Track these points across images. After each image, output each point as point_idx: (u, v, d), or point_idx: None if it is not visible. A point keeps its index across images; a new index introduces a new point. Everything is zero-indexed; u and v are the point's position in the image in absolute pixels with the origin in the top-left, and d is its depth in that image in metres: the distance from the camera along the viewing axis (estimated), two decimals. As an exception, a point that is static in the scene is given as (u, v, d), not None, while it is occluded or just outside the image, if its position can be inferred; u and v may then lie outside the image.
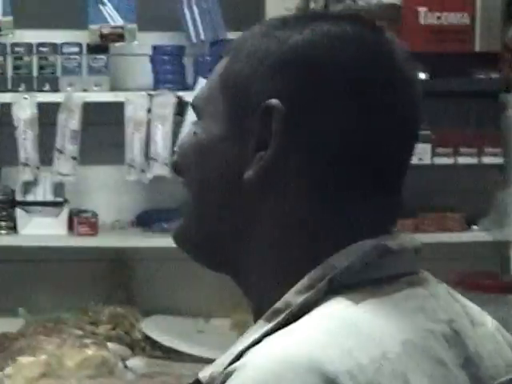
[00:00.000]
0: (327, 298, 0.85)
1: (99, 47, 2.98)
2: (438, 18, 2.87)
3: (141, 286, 3.22)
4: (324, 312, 0.85)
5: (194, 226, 0.96)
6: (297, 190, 0.88)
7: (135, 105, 2.95)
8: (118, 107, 2.94)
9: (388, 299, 0.88)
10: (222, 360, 0.86)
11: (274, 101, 0.88)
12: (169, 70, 3.06)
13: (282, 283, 0.88)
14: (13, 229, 3.03)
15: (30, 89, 2.95)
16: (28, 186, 3.03)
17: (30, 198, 3.04)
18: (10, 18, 2.85)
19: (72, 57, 2.98)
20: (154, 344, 2.99)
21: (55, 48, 2.96)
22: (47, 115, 2.94)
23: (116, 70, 3.12)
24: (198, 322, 3.19)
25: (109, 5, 2.89)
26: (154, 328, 3.08)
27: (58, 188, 3.04)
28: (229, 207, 0.93)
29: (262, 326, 0.87)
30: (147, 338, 3.01)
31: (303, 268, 0.87)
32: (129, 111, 2.95)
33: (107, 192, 3.20)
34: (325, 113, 0.90)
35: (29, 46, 2.95)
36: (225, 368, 0.83)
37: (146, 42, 3.00)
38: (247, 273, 0.93)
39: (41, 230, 3.03)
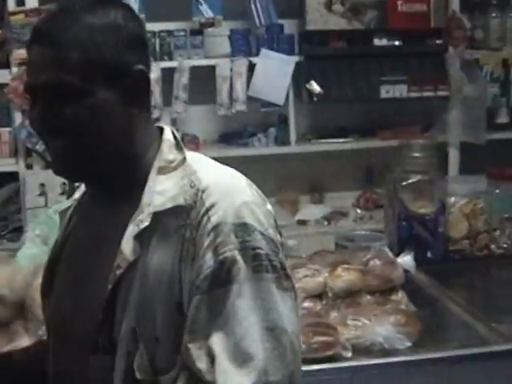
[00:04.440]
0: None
1: (198, 31, 3.62)
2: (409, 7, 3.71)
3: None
4: (201, 157, 1.20)
5: (88, 159, 1.12)
6: (146, 112, 1.18)
7: (222, 67, 3.60)
8: (211, 68, 3.60)
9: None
10: (158, 200, 1.11)
11: (141, 66, 1.12)
12: (241, 44, 3.68)
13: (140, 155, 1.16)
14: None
15: (155, 59, 3.55)
16: (155, 121, 3.02)
17: (156, 128, 3.53)
18: (143, 15, 3.33)
19: (181, 38, 3.62)
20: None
21: (170, 33, 3.63)
22: (167, 75, 3.53)
23: (208, 46, 3.73)
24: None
25: (204, 5, 3.54)
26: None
27: (174, 121, 3.65)
28: (124, 133, 1.15)
29: (157, 176, 1.13)
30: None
31: (153, 143, 1.19)
32: (218, 71, 3.60)
33: (205, 122, 3.86)
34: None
35: (153, 32, 3.58)
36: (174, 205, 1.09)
37: (227, 26, 3.66)
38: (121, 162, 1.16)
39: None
